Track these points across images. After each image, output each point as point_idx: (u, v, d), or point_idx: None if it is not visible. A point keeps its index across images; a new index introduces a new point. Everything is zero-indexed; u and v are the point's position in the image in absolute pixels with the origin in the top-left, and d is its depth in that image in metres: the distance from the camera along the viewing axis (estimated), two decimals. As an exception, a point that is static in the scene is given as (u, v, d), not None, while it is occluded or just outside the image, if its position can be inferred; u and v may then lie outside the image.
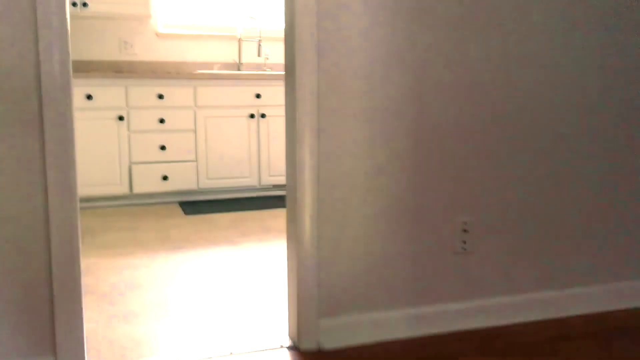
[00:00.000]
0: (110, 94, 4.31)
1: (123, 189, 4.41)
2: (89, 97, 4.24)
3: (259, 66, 5.31)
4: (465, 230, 2.11)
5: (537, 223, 2.23)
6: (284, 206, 4.44)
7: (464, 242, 2.12)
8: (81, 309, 1.80)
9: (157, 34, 4.96)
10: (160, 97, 4.43)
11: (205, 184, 4.66)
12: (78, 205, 1.80)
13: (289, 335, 2.11)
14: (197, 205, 4.48)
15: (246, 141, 4.74)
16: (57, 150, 1.73)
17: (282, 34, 5.35)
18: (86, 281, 2.73)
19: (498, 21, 2.07)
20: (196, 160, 4.61)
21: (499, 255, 2.19)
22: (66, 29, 1.70)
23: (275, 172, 4.85)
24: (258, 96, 4.72)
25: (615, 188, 2.32)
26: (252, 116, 4.72)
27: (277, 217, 4.04)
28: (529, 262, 2.24)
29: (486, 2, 2.04)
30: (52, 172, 1.73)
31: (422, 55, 2.00)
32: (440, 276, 2.13)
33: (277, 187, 4.91)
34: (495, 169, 2.14)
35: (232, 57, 5.22)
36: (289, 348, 2.04)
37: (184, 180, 4.59)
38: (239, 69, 5.21)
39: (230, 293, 2.57)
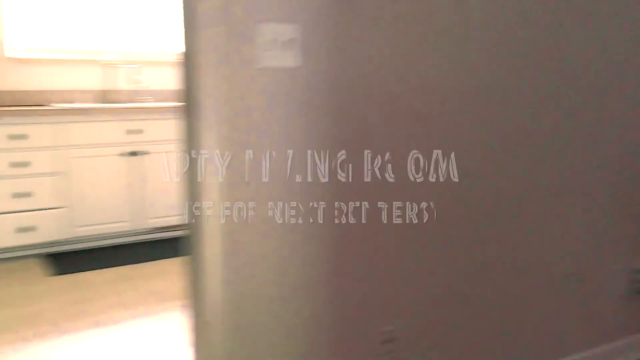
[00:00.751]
0: (-45, 134, 3.63)
1: (-26, 245, 3.75)
2: None
3: (136, 94, 4.79)
4: (390, 340, 1.83)
5: (469, 321, 2.01)
6: (167, 256, 3.98)
7: (391, 352, 1.84)
8: None
9: (10, 59, 4.29)
10: (19, 136, 3.80)
11: (77, 232, 4.08)
12: None
13: None
14: (68, 259, 3.90)
15: (124, 182, 4.22)
16: None
17: (160, 58, 4.87)
18: None
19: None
20: (66, 206, 4.02)
21: (428, 360, 1.93)
22: None
23: (157, 214, 4.37)
24: (137, 131, 4.22)
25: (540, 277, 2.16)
26: (130, 154, 4.21)
27: (162, 275, 3.58)
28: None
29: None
30: None
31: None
32: (365, 394, 1.83)
33: (159, 229, 4.43)
34: (418, 271, 1.88)
35: (105, 85, 4.66)
36: None
37: (51, 229, 3.98)
38: (112, 99, 4.66)
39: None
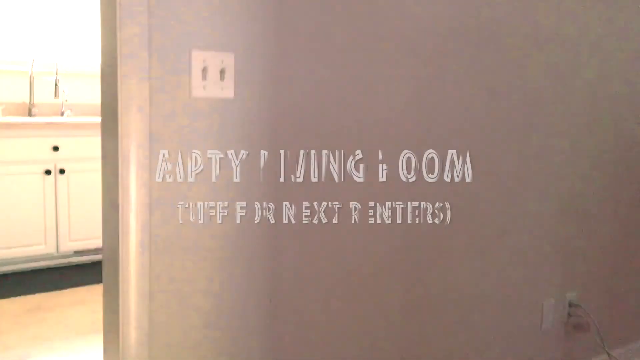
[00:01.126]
0: None
1: None
2: None
3: (56, 108, 4.54)
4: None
5: None
6: (90, 282, 3.76)
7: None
8: None
9: None
10: None
11: (-14, 256, 3.80)
12: None
13: None
14: (-25, 287, 3.61)
15: (40, 202, 3.96)
16: None
17: (84, 70, 4.65)
18: None
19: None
20: (-27, 228, 3.74)
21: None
22: None
23: (76, 237, 4.13)
24: (56, 148, 3.98)
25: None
26: (48, 172, 3.96)
27: (83, 303, 3.38)
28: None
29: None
30: None
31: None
32: None
33: (78, 253, 4.19)
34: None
35: (22, 97, 4.39)
36: None
37: (-44, 253, 3.69)
38: (30, 112, 4.39)
39: None
